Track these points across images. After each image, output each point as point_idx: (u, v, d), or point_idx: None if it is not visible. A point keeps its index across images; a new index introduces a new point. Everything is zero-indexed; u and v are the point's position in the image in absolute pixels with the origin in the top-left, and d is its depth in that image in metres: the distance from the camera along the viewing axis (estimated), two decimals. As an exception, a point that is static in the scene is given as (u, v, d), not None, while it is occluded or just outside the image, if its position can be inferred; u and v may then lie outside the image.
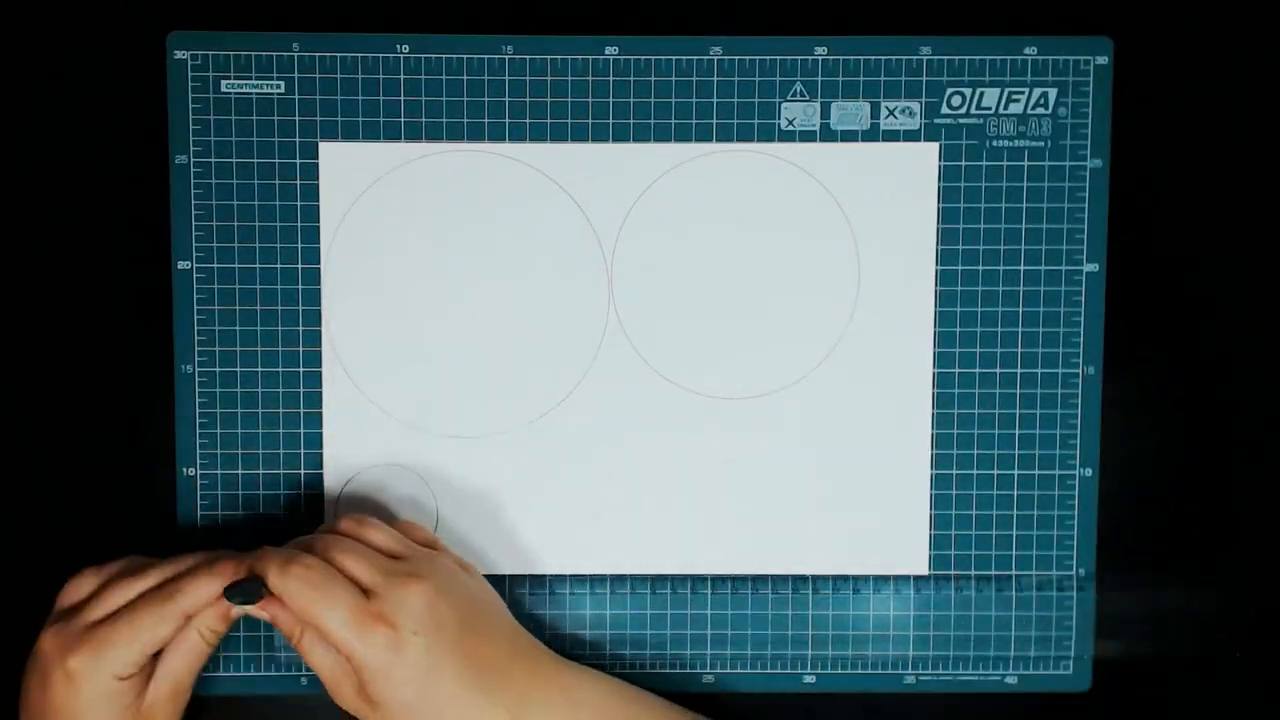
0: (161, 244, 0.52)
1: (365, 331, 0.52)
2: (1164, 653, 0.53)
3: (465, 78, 0.51)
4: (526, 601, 0.53)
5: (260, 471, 0.52)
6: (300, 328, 0.52)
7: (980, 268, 0.53)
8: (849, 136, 0.52)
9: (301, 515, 0.53)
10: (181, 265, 0.52)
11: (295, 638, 0.42)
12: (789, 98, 0.52)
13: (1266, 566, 0.54)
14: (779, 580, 0.53)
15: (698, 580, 0.52)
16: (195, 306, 0.52)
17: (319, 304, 0.52)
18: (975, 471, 0.53)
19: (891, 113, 0.52)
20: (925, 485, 0.53)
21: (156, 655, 0.43)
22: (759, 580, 0.53)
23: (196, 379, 0.52)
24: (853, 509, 0.53)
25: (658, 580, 0.53)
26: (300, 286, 0.52)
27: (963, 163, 0.52)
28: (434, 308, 0.52)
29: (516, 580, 0.53)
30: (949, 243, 0.52)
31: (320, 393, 0.52)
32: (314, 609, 0.40)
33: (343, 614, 0.40)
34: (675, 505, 0.52)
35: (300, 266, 0.52)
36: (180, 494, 0.52)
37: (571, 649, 0.53)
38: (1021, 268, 0.53)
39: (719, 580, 0.53)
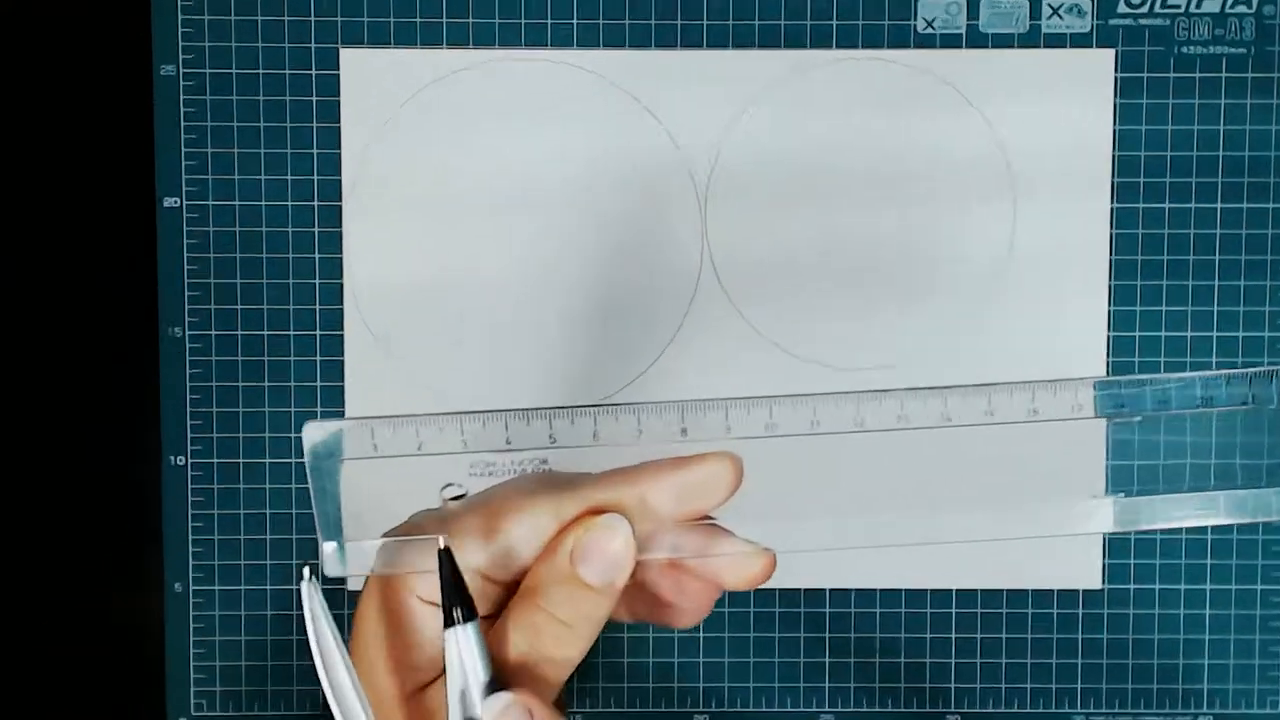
0: (143, 176, 0.43)
1: (398, 285, 0.44)
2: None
3: (520, -29, 0.42)
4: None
5: (266, 460, 0.44)
6: (316, 280, 0.43)
7: (1167, 205, 0.44)
8: (1002, 41, 0.43)
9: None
10: (168, 202, 0.43)
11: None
12: (920, -2, 0.43)
13: None
14: (913, 596, 0.44)
15: (811, 595, 0.44)
16: (185, 253, 0.43)
17: (340, 250, 0.43)
18: (1162, 461, 0.43)
19: (1055, 11, 0.43)
20: (1100, 479, 0.43)
21: None
22: (889, 595, 0.44)
23: (187, 345, 0.43)
24: (1005, 510, 0.43)
25: (785, 596, 0.43)
26: (316, 229, 0.43)
27: (1145, 74, 0.43)
28: (484, 257, 0.43)
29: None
30: (1127, 174, 0.43)
31: (341, 361, 0.43)
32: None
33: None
34: (788, 500, 0.42)
35: (316, 203, 0.43)
36: (166, 487, 0.43)
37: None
38: (1218, 205, 0.44)
39: (837, 595, 0.44)
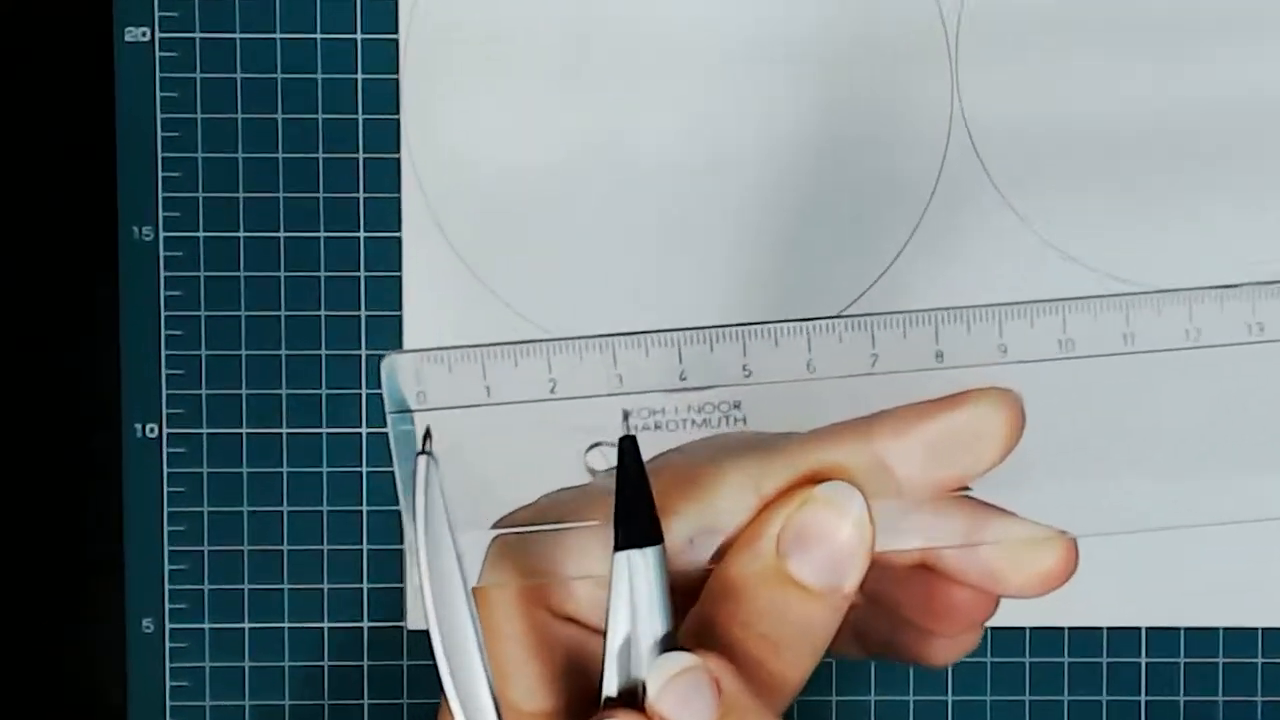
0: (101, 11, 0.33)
1: (481, 168, 0.34)
2: None
3: None
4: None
5: (284, 430, 0.33)
6: (360, 154, 0.32)
7: None
8: None
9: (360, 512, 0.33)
10: (132, 35, 0.32)
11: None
12: None
13: None
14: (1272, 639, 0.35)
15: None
16: (158, 111, 0.32)
17: (397, 110, 0.33)
18: None
19: None
20: None
21: None
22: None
23: (161, 251, 0.32)
24: None
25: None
26: (361, 75, 0.32)
27: None
28: (620, 131, 0.35)
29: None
30: None
31: (399, 277, 0.33)
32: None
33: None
34: (1090, 457, 0.33)
35: (360, 36, 0.32)
36: (129, 462, 0.33)
37: None
38: None
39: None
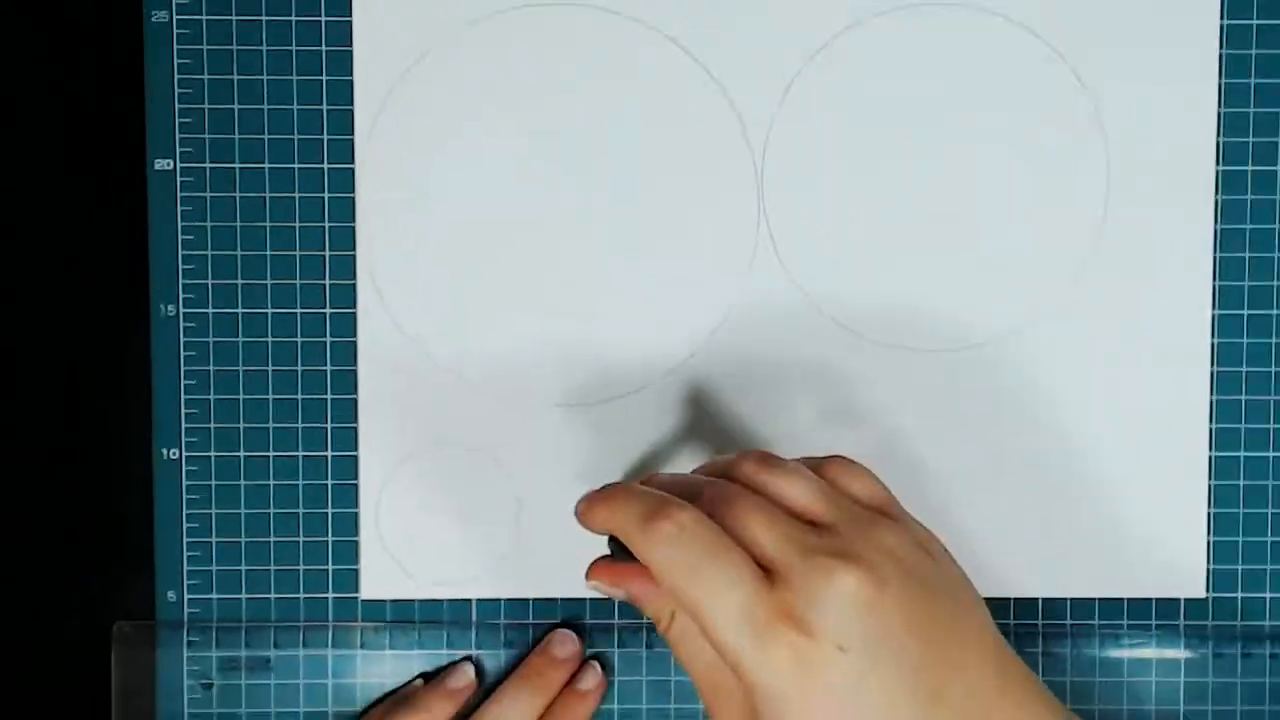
0: (135, 140, 0.39)
1: (417, 257, 0.40)
2: None
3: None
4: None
5: (270, 454, 0.40)
6: (326, 252, 0.40)
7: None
8: None
9: (327, 513, 0.40)
10: (160, 165, 0.39)
11: (663, 623, 0.32)
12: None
13: None
14: (997, 608, 0.39)
15: None
16: (180, 222, 0.39)
17: (353, 219, 0.40)
18: (1271, 454, 0.40)
19: None
20: (1201, 476, 0.40)
21: None
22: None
23: (181, 324, 0.40)
24: (1093, 511, 0.40)
25: None
26: (326, 194, 0.40)
27: (1253, 20, 0.39)
28: (515, 226, 0.40)
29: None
30: (1235, 133, 0.40)
31: (354, 343, 0.40)
32: (691, 590, 0.29)
33: (734, 603, 0.29)
34: None
35: (326, 166, 0.39)
36: (159, 484, 0.40)
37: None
38: None
39: None
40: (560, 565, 0.40)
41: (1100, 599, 0.40)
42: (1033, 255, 0.40)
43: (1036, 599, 0.40)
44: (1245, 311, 0.40)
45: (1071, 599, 0.40)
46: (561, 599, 0.40)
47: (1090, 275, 0.40)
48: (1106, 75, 0.39)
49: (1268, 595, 0.40)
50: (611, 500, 0.31)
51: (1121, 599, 0.40)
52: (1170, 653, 0.40)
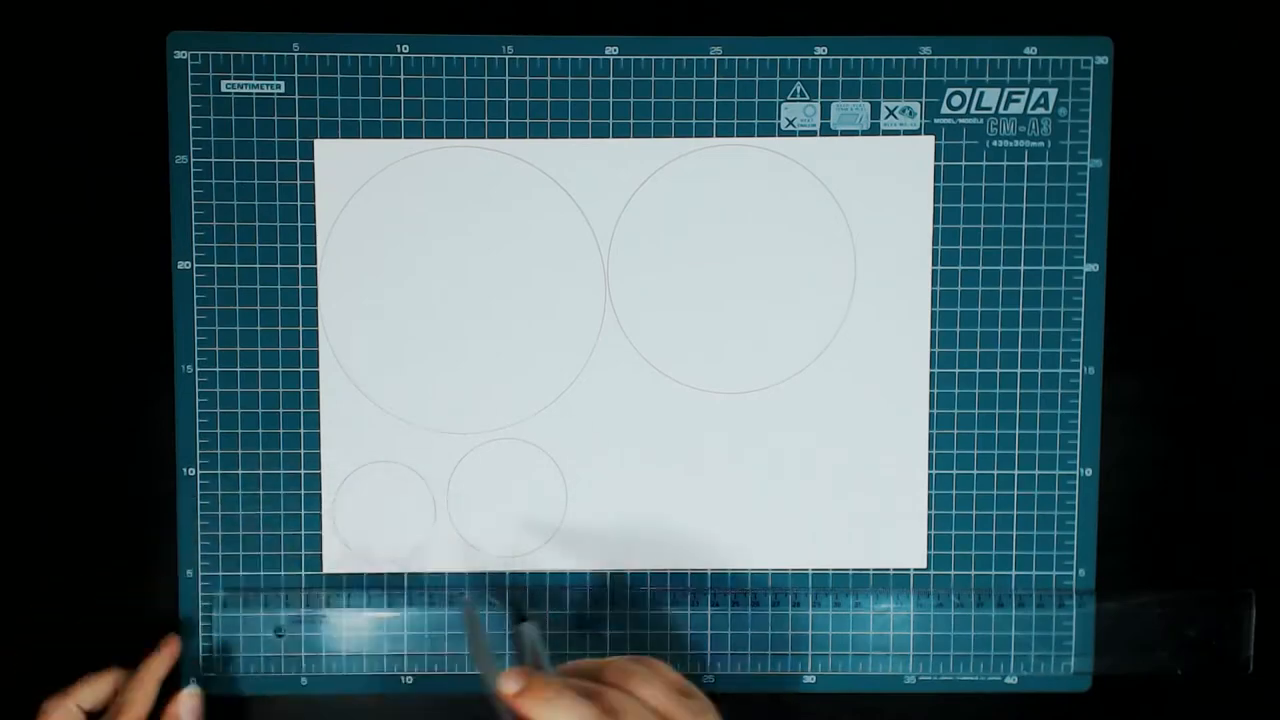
0: (162, 244, 0.52)
1: (362, 329, 0.52)
2: (1165, 653, 0.53)
3: (465, 78, 0.51)
4: (525, 600, 0.52)
5: (260, 471, 0.52)
6: (299, 327, 0.52)
7: (980, 267, 0.52)
8: (849, 136, 0.52)
9: (300, 513, 0.53)
10: (181, 265, 0.52)
11: None
12: (789, 97, 0.52)
13: (1268, 566, 0.53)
14: (778, 577, 0.53)
15: (696, 577, 0.52)
16: (195, 306, 0.52)
17: (316, 302, 0.52)
18: (975, 471, 0.53)
19: (892, 113, 0.52)
20: (923, 484, 0.53)
21: None
22: (758, 577, 0.52)
23: (197, 379, 0.52)
24: (849, 507, 0.53)
25: (655, 577, 0.52)
26: (299, 286, 0.52)
27: (963, 162, 0.52)
28: (431, 304, 0.51)
29: (516, 575, 0.52)
30: (948, 242, 0.52)
31: (317, 392, 0.52)
32: None
33: None
34: (673, 502, 0.52)
35: (299, 266, 0.52)
36: (181, 493, 0.52)
37: (572, 646, 0.52)
38: (1021, 267, 0.52)
39: (718, 577, 0.52)
40: (465, 548, 0.52)
41: (853, 569, 0.53)
42: (802, 324, 0.52)
43: (807, 570, 0.53)
44: (957, 370, 0.53)
45: (833, 570, 0.53)
46: (468, 573, 0.52)
47: (842, 339, 0.52)
48: (855, 198, 0.52)
49: (973, 572, 0.54)
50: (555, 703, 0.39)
51: (868, 569, 0.53)
52: (901, 610, 0.54)
